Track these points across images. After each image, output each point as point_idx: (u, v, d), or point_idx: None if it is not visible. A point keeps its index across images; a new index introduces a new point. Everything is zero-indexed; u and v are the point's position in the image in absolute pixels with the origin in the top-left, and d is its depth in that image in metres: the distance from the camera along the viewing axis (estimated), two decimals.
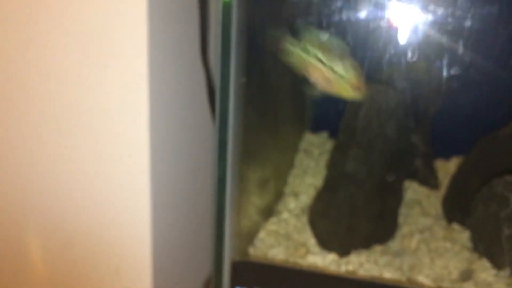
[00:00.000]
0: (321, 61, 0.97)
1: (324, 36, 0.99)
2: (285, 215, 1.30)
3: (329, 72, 0.97)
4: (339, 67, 0.97)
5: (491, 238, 1.12)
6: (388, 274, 1.06)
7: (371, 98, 1.11)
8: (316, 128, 1.79)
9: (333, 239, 1.12)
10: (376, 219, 1.18)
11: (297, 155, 1.65)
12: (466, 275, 1.09)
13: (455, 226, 1.29)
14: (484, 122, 1.42)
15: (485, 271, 1.10)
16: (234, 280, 0.93)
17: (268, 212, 1.30)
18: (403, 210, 1.38)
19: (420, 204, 1.42)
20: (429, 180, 1.48)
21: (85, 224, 0.97)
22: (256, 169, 1.19)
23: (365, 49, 1.60)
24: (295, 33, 1.02)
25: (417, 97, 1.45)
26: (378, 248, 1.20)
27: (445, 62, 1.51)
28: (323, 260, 1.10)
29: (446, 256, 1.16)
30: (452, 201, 1.35)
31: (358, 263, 1.10)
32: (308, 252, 1.12)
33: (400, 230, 1.28)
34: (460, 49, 1.50)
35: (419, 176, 1.48)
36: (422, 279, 1.06)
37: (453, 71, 1.52)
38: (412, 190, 1.47)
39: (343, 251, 1.12)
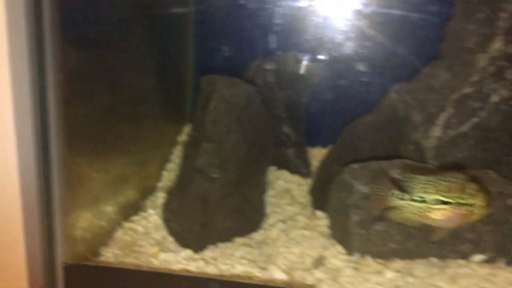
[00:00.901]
0: (445, 202, 0.95)
1: (434, 178, 0.96)
2: (150, 211, 1.28)
3: (458, 208, 0.95)
4: (466, 198, 0.95)
5: (343, 225, 1.15)
6: (240, 267, 1.07)
7: (220, 91, 1.10)
8: None
9: (187, 235, 1.11)
10: (235, 213, 1.18)
11: (175, 148, 1.62)
12: (319, 262, 1.12)
13: (320, 213, 1.32)
14: (359, 110, 1.46)
15: (336, 257, 1.14)
16: (67, 284, 0.90)
17: (132, 209, 1.26)
18: (273, 200, 1.40)
19: (290, 193, 1.45)
20: (300, 168, 1.50)
21: None
22: (108, 165, 1.15)
23: (228, 42, 1.60)
24: (400, 186, 1.00)
25: (285, 88, 1.46)
26: (240, 241, 1.20)
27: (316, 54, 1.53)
28: (175, 257, 1.08)
29: (303, 244, 1.18)
30: (318, 189, 1.38)
31: (212, 258, 1.10)
32: (161, 250, 1.10)
33: (267, 220, 1.30)
34: (333, 41, 1.54)
35: (291, 165, 1.51)
36: (273, 268, 1.07)
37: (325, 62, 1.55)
38: (284, 180, 1.49)
39: (198, 247, 1.11)
